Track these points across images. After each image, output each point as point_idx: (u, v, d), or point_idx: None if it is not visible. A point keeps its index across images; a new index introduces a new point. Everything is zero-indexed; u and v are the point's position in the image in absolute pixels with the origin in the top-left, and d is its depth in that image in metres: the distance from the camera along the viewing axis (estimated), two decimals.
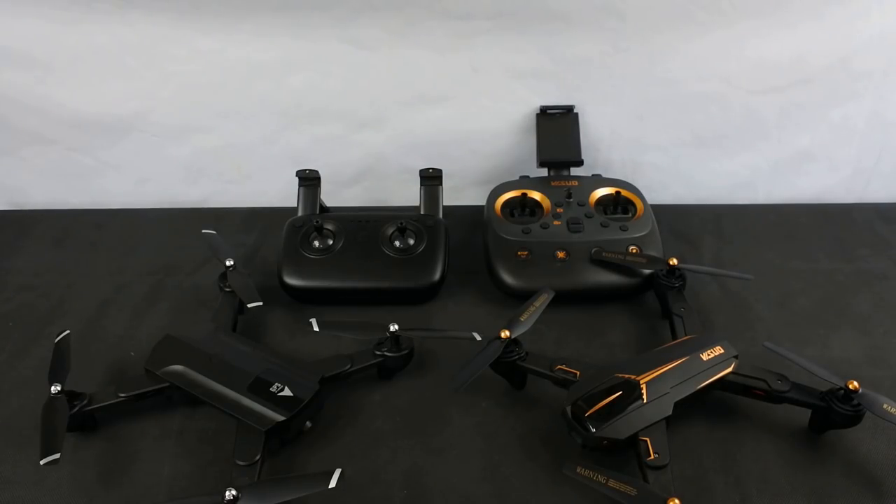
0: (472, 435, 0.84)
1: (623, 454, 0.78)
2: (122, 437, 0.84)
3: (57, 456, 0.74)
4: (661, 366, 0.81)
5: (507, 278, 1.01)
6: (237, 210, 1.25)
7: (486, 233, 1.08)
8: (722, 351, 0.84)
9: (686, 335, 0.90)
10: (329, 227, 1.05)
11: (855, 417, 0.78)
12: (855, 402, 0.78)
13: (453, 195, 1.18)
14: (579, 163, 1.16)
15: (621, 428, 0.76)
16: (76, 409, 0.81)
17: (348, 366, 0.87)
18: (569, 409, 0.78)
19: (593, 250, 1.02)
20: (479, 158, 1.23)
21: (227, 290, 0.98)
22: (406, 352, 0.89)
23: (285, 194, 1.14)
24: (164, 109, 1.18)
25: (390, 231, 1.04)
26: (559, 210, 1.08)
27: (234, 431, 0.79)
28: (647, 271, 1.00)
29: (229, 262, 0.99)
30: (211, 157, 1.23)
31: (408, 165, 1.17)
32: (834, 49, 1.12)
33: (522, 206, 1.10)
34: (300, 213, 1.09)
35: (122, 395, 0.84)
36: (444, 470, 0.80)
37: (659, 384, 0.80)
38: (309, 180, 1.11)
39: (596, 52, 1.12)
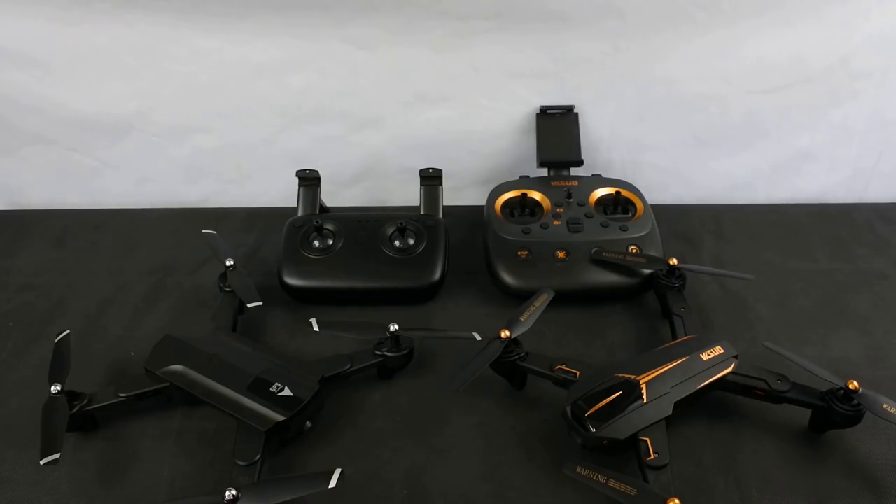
0: (472, 435, 0.84)
1: (623, 454, 0.78)
2: (122, 437, 0.84)
3: (57, 456, 0.74)
4: (661, 366, 0.81)
5: (507, 278, 1.01)
6: (237, 210, 1.24)
7: (486, 233, 1.08)
8: (722, 351, 0.84)
9: (686, 335, 0.90)
10: (329, 227, 1.05)
11: (855, 417, 0.78)
12: (855, 402, 0.78)
13: (453, 195, 1.18)
14: (579, 163, 1.16)
15: (621, 428, 0.76)
16: (76, 409, 0.81)
17: (348, 366, 0.87)
18: (569, 409, 0.79)
19: (593, 250, 1.02)
20: (479, 158, 1.23)
21: (227, 290, 0.98)
22: (406, 352, 0.89)
23: (285, 194, 1.14)
24: (164, 109, 1.18)
25: (390, 231, 1.04)
26: (559, 210, 1.08)
27: (234, 431, 0.79)
28: (647, 271, 1.00)
29: (229, 262, 0.99)
30: (211, 157, 1.23)
31: (408, 165, 1.17)
32: (834, 49, 1.12)
33: (522, 206, 1.10)
34: (300, 213, 1.09)
35: (122, 395, 0.84)
36: (444, 470, 0.80)
37: (659, 384, 0.80)
38: (309, 180, 1.11)
39: (596, 52, 1.12)
